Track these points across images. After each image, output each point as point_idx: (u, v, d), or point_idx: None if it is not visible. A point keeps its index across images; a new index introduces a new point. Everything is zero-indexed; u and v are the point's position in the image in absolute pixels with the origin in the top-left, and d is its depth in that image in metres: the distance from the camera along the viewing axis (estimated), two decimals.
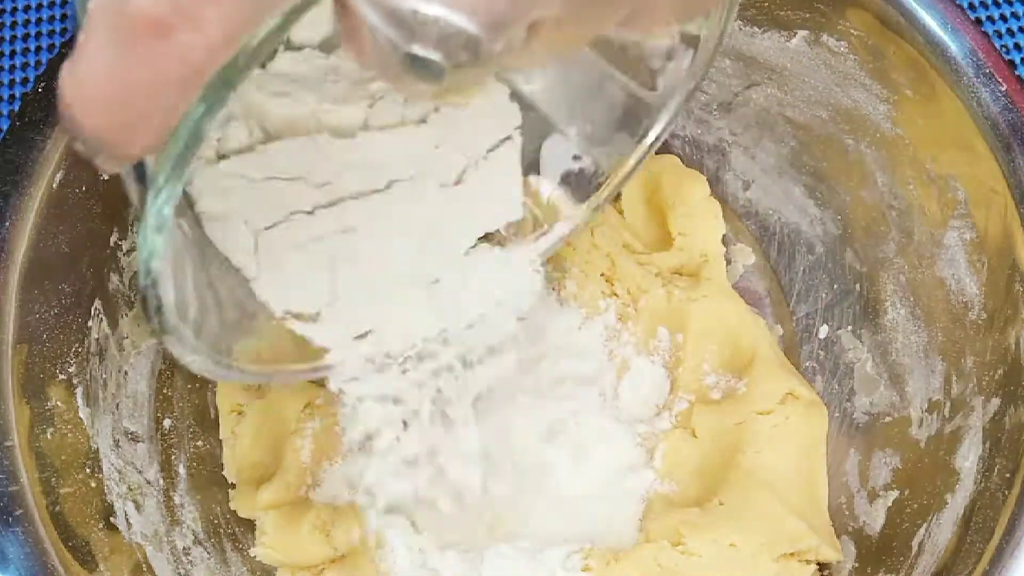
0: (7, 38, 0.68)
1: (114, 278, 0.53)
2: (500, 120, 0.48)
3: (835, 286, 0.59)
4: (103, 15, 0.30)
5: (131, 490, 0.51)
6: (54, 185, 0.49)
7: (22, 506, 0.44)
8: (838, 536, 0.53)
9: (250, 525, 0.55)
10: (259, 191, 0.44)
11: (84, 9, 0.34)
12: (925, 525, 0.49)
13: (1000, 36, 0.67)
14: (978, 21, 0.66)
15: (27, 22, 0.68)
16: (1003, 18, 0.67)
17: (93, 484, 0.49)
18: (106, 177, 0.51)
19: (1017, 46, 0.67)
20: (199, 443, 0.56)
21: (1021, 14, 0.67)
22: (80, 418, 0.50)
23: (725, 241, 0.60)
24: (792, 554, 0.51)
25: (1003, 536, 0.43)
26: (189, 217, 0.42)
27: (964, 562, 0.45)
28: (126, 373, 0.53)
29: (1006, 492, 0.45)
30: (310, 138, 0.44)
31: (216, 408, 0.57)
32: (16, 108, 0.64)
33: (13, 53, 0.67)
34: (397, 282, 0.47)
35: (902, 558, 0.49)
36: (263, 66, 0.43)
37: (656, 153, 0.62)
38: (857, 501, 0.53)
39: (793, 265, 0.61)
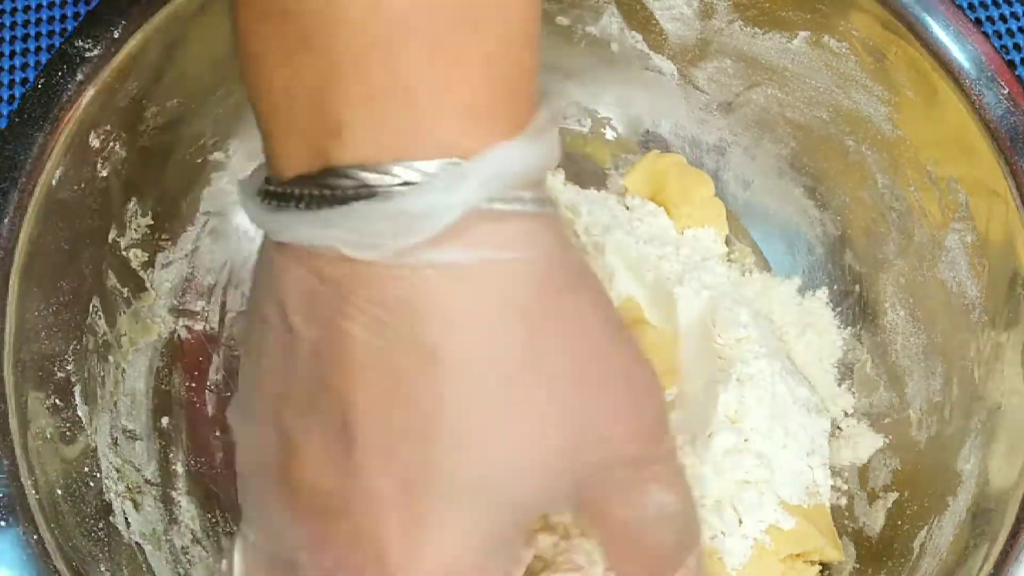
0: (7, 39, 0.67)
1: (112, 276, 0.53)
2: None
3: (835, 287, 0.59)
4: None
5: (129, 489, 0.50)
6: (53, 182, 0.48)
7: (20, 505, 0.44)
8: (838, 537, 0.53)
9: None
10: None
11: None
12: (926, 527, 0.49)
13: (1000, 36, 0.67)
14: (978, 21, 0.66)
15: (27, 23, 0.68)
16: (1003, 19, 0.67)
17: (91, 483, 0.49)
18: (104, 174, 0.51)
19: (1017, 47, 0.67)
20: (197, 441, 0.56)
21: (1021, 14, 0.67)
22: (78, 416, 0.49)
23: (726, 241, 0.60)
24: (798, 555, 0.50)
25: (1007, 540, 0.43)
26: None
27: (967, 565, 0.45)
28: (124, 371, 0.53)
29: (1009, 495, 0.45)
30: None
31: (213, 407, 0.57)
32: (15, 108, 0.63)
33: (13, 54, 0.67)
34: None
35: (903, 560, 0.49)
36: None
37: (661, 152, 0.62)
38: (857, 502, 0.53)
39: (793, 266, 0.61)
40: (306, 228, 0.31)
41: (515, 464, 0.32)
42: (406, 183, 0.30)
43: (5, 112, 0.65)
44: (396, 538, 0.32)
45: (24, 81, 0.66)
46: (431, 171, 0.30)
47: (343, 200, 0.31)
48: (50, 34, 0.67)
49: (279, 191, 0.32)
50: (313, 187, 0.31)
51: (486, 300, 0.31)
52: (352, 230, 0.30)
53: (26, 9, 0.68)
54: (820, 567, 0.52)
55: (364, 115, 0.31)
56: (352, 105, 0.31)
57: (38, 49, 0.67)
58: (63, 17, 0.68)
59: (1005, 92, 0.49)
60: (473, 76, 0.31)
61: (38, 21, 0.68)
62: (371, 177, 0.30)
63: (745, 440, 0.51)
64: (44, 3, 0.68)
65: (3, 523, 0.43)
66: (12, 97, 0.65)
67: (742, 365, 0.52)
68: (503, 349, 0.32)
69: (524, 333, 0.32)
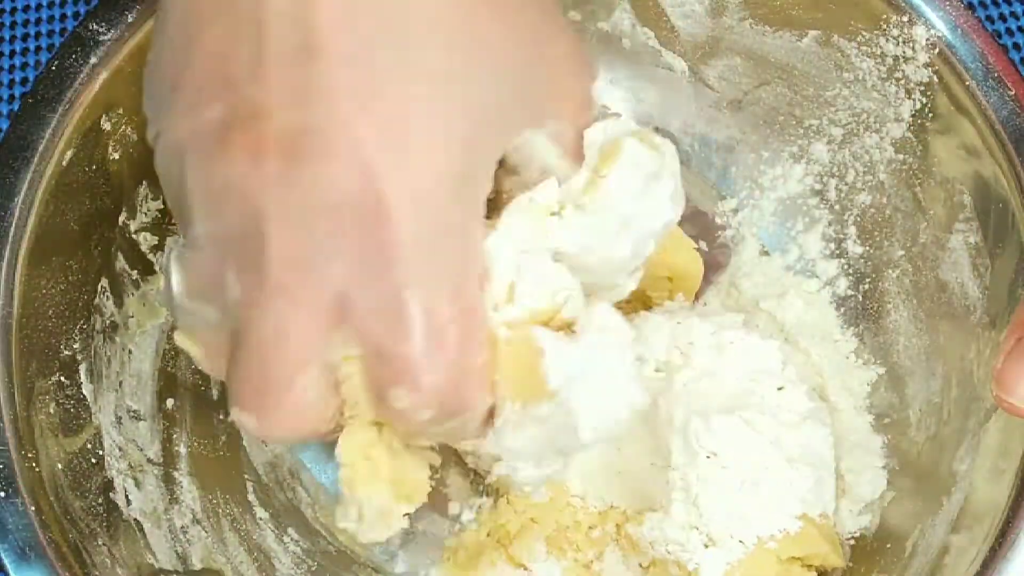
0: (7, 38, 0.67)
1: (121, 258, 0.53)
2: None
3: (839, 287, 0.58)
4: None
5: (131, 467, 0.51)
6: (64, 163, 0.49)
7: (23, 478, 0.44)
8: None
9: (248, 506, 0.55)
10: None
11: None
12: (919, 527, 0.49)
13: (1000, 36, 0.66)
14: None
15: (27, 22, 0.68)
16: (1003, 18, 0.67)
17: (94, 460, 0.49)
18: (116, 157, 0.52)
19: (1016, 46, 0.66)
20: (200, 423, 0.56)
21: (1021, 14, 0.67)
22: (83, 394, 0.50)
23: None
24: (797, 558, 0.50)
25: (996, 539, 0.43)
26: None
27: (957, 564, 0.45)
28: (130, 352, 0.54)
29: (1001, 496, 0.45)
30: None
31: (217, 390, 0.58)
32: (15, 108, 0.63)
33: (13, 53, 0.67)
34: None
35: (895, 559, 0.49)
36: None
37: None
38: None
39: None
40: None
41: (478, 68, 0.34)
42: None
43: (5, 112, 0.65)
44: (374, 139, 0.31)
45: (24, 81, 0.66)
46: None
47: None
48: (50, 34, 0.68)
49: None
50: None
51: None
52: None
53: (26, 9, 0.68)
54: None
55: None
56: None
57: (38, 49, 0.67)
58: (63, 17, 0.68)
59: (1011, 94, 0.49)
60: None
61: (38, 21, 0.68)
62: None
63: (755, 447, 0.51)
64: (44, 3, 0.69)
65: (2, 493, 0.43)
66: (12, 97, 0.66)
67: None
68: None
69: None
